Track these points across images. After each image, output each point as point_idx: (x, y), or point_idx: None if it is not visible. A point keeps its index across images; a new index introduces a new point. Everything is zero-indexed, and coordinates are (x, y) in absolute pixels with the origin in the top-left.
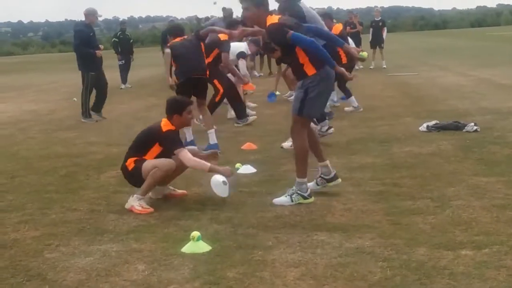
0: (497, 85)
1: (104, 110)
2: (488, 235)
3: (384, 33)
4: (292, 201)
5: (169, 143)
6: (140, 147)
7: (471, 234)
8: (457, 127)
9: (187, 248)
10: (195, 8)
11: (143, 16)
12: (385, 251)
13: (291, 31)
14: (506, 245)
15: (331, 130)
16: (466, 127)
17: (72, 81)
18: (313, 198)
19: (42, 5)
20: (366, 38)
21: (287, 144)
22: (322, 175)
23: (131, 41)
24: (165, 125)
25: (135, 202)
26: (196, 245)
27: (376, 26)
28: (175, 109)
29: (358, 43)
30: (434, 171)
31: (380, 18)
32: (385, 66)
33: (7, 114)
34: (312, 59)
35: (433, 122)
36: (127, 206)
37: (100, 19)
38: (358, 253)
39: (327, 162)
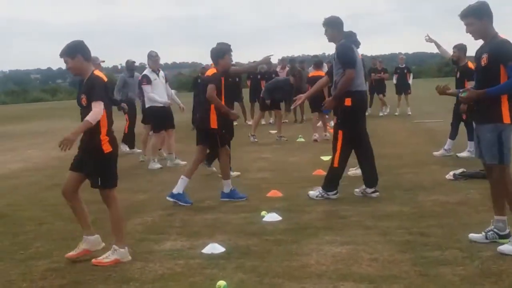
0: None
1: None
2: None
3: (410, 79)
4: (487, 238)
5: None
6: None
7: (501, 286)
8: (485, 175)
9: None
10: None
11: (169, 62)
12: None
13: None
14: None
15: (376, 194)
16: None
17: None
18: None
19: None
20: (389, 84)
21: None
22: (495, 229)
23: None
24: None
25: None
26: None
27: (401, 73)
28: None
29: (382, 89)
30: (462, 220)
31: (404, 65)
32: (410, 113)
33: (34, 160)
34: None
35: (460, 170)
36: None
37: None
38: None
39: (505, 218)
